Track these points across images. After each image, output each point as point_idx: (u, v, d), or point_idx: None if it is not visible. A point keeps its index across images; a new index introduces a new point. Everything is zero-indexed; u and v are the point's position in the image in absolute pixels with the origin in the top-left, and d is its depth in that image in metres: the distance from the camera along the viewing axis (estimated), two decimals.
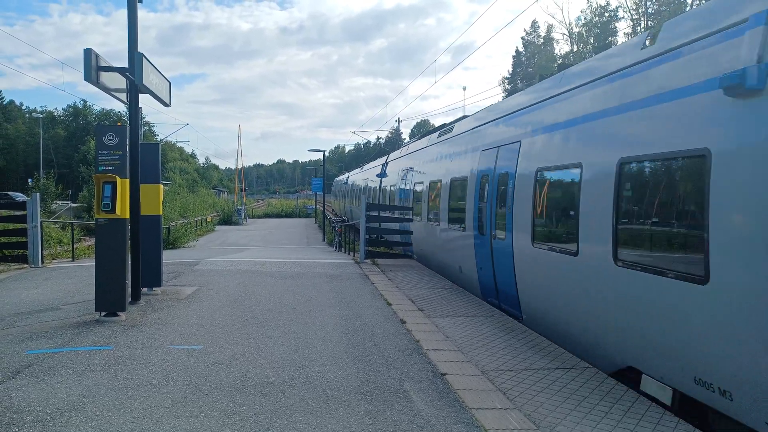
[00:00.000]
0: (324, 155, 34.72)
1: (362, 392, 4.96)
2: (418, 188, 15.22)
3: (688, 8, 37.71)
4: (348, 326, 7.36)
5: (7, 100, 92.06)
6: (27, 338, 6.67)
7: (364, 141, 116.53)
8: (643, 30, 45.52)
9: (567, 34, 56.62)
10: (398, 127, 57.88)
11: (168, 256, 14.22)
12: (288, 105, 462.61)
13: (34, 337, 6.74)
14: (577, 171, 6.38)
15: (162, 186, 9.88)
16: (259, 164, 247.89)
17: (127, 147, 7.90)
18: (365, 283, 10.99)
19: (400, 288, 10.42)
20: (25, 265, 13.12)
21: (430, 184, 13.88)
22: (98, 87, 8.05)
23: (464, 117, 14.43)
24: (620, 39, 49.54)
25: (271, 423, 4.30)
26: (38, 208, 13.35)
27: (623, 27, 51.75)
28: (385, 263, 14.11)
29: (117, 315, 7.70)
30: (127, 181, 7.94)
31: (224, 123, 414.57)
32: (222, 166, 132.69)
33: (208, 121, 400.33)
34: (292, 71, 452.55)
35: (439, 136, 14.41)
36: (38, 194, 13.82)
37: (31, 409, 4.52)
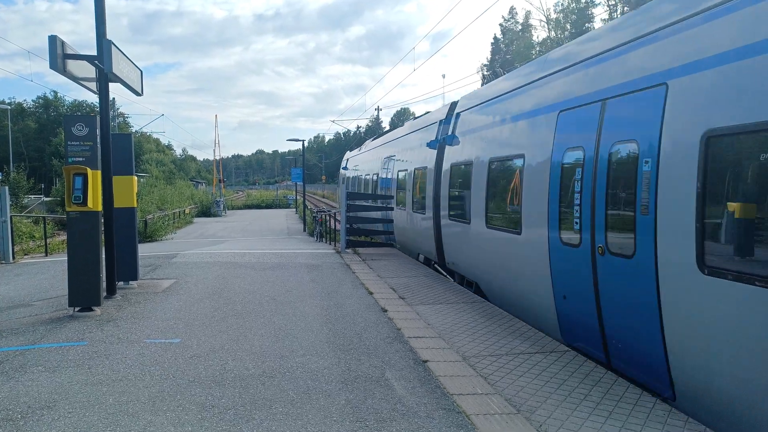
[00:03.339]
0: (303, 145, 34.43)
1: (343, 381, 4.92)
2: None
3: None
4: (329, 316, 7.31)
5: None
6: None
7: (344, 130, 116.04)
8: (619, 16, 46.01)
9: (544, 20, 56.84)
10: (378, 115, 57.68)
11: (145, 249, 13.99)
12: (265, 94, 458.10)
13: (4, 334, 6.55)
14: None
15: (135, 178, 9.67)
16: (237, 155, 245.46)
17: (98, 138, 7.69)
18: (346, 272, 10.94)
19: (381, 277, 10.40)
20: None
21: None
22: (65, 76, 7.81)
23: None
24: (597, 25, 49.95)
25: (250, 415, 4.24)
26: (8, 202, 12.99)
27: (600, 13, 52.15)
28: (366, 252, 14.07)
29: (92, 310, 7.53)
30: (99, 172, 7.74)
31: (201, 113, 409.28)
32: (200, 158, 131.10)
33: (184, 111, 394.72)
34: (269, 59, 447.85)
35: None
36: (7, 188, 13.42)
37: (2, 408, 4.39)
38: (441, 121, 11.38)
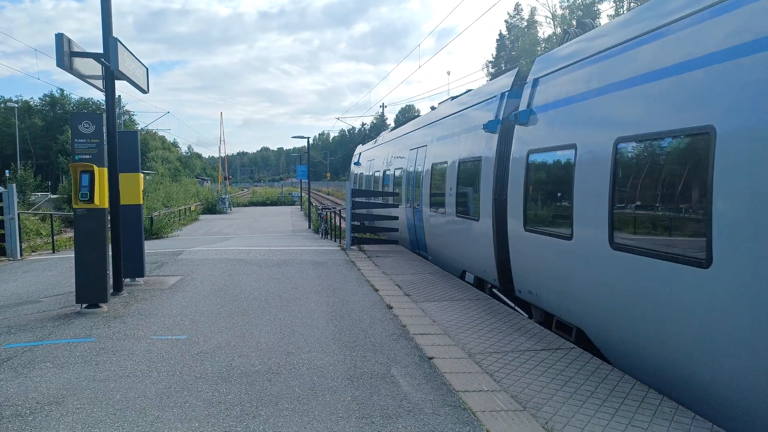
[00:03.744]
0: (308, 142, 34.42)
1: (349, 378, 4.93)
2: None
3: None
4: (334, 312, 7.32)
5: None
6: (5, 332, 6.53)
7: (349, 127, 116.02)
8: (626, 11, 45.71)
9: (550, 16, 56.58)
10: (383, 112, 57.56)
11: (151, 246, 14.05)
12: (270, 92, 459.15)
13: (13, 330, 6.60)
14: None
15: (142, 175, 9.71)
16: (242, 152, 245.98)
17: (104, 135, 7.72)
18: (351, 269, 10.96)
19: (386, 274, 10.40)
20: (3, 258, 12.87)
21: None
22: (72, 74, 7.83)
23: None
24: (603, 21, 49.62)
25: (257, 411, 4.26)
26: (15, 200, 13.07)
27: (606, 9, 51.86)
28: (371, 249, 14.08)
29: (99, 306, 7.57)
30: (105, 170, 7.77)
31: (206, 110, 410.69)
32: (205, 155, 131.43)
33: (189, 109, 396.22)
34: (274, 57, 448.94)
35: None
36: (14, 185, 13.49)
37: (10, 403, 4.42)
38: (504, 94, 8.75)
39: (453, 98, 12.71)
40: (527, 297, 7.59)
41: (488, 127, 8.84)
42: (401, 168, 15.29)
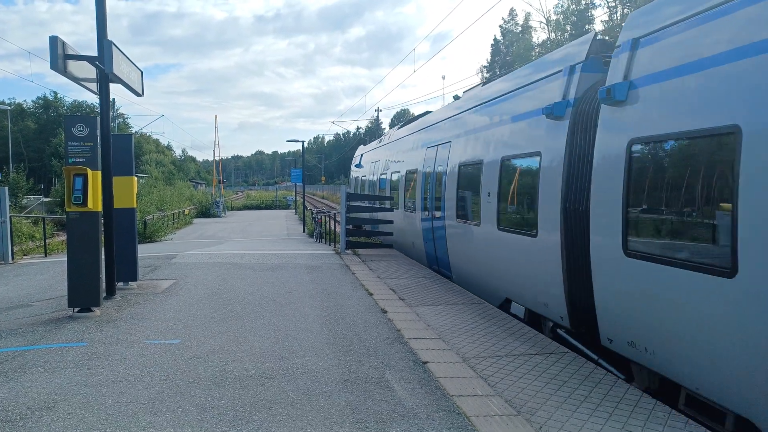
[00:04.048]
0: (303, 146, 34.47)
1: (343, 383, 4.92)
2: None
3: None
4: (329, 317, 7.30)
5: None
6: None
7: (344, 131, 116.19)
8: (619, 18, 46.09)
9: (544, 21, 56.95)
10: (378, 116, 57.61)
11: (144, 250, 13.98)
12: (265, 95, 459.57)
13: (4, 335, 6.54)
14: None
15: (135, 178, 9.67)
16: (237, 156, 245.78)
17: (98, 138, 7.69)
18: (346, 273, 10.94)
19: (381, 278, 10.39)
20: None
21: None
22: (66, 76, 7.81)
23: None
24: (597, 27, 50.01)
25: (250, 416, 4.24)
26: (7, 203, 12.99)
27: (600, 14, 52.23)
28: (365, 253, 14.06)
29: (91, 310, 7.52)
30: (99, 173, 7.74)
31: (201, 114, 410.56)
32: (199, 158, 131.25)
33: (184, 112, 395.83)
34: (269, 60, 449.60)
35: None
36: (6, 188, 13.41)
37: (0, 408, 4.38)
38: (575, 67, 6.65)
39: (485, 83, 10.50)
40: (624, 350, 5.43)
41: (552, 111, 6.65)
42: (414, 170, 13.14)
